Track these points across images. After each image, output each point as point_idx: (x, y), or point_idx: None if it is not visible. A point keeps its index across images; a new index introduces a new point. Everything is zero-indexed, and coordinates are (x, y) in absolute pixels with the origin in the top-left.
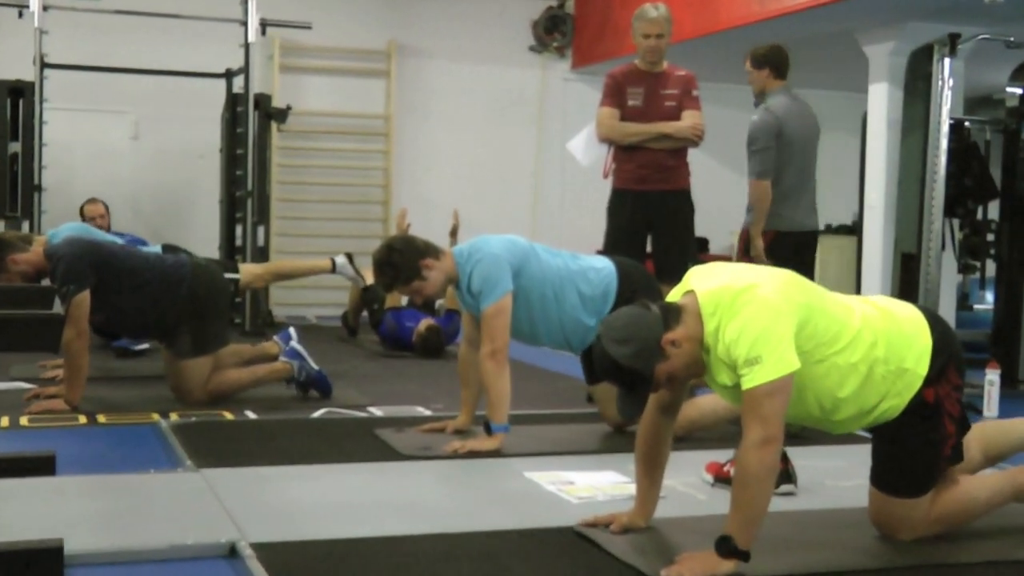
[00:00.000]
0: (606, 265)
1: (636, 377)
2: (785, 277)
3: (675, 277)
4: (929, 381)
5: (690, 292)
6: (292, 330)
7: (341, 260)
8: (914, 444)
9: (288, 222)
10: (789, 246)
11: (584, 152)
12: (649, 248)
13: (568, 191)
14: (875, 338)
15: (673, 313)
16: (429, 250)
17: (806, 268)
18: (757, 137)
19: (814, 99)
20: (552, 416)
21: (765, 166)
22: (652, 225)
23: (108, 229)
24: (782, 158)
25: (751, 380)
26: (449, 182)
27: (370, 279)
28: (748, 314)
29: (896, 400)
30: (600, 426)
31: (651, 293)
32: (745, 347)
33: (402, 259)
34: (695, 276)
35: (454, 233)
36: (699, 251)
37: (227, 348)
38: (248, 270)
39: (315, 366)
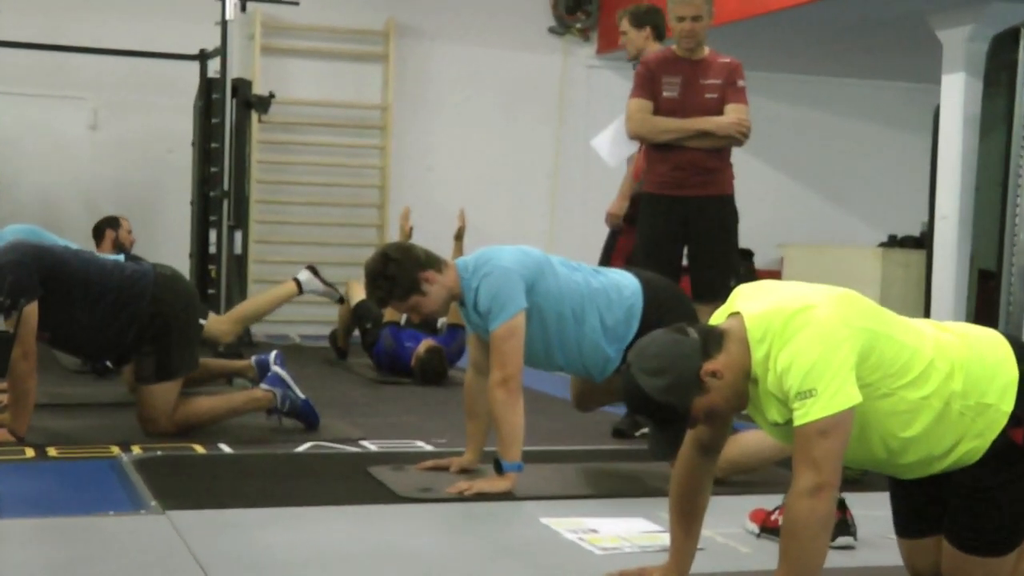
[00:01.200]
0: (631, 283)
1: (671, 413)
2: (846, 297)
3: (714, 297)
4: (1016, 419)
5: (735, 315)
6: (274, 354)
7: (305, 276)
8: (999, 494)
9: (269, 227)
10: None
11: (611, 151)
12: (685, 263)
13: (592, 196)
14: (951, 368)
15: (714, 339)
16: (430, 261)
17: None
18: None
19: (878, 91)
20: (572, 453)
21: None
22: (688, 236)
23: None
24: None
25: (804, 416)
26: (455, 184)
27: (358, 293)
28: (802, 340)
29: (977, 442)
30: (628, 467)
31: (682, 316)
32: (798, 378)
33: (399, 270)
34: (742, 296)
35: (459, 237)
36: (742, 266)
37: (281, 290)
38: (213, 326)
39: (300, 394)
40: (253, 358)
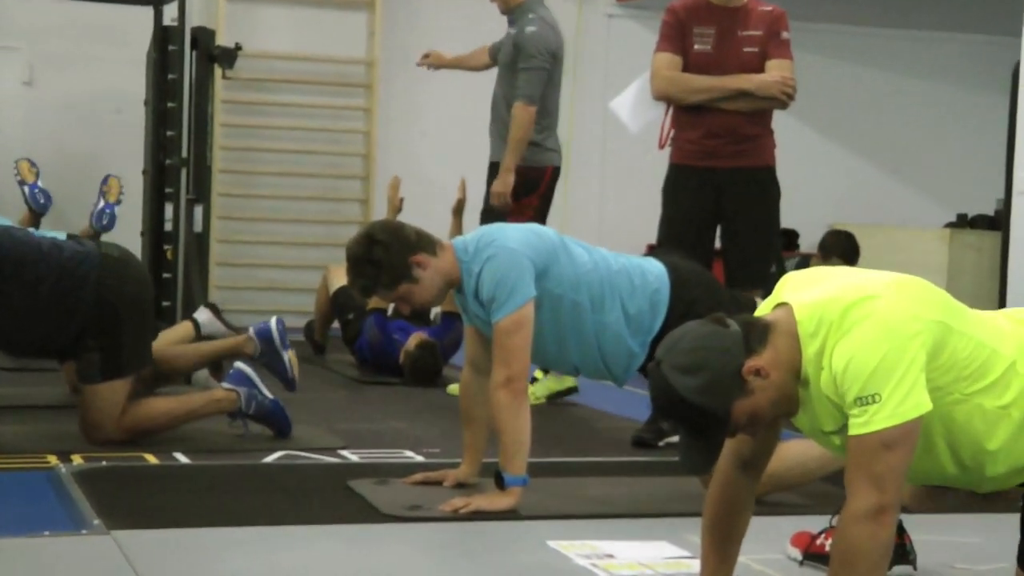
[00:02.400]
0: (655, 268)
1: (707, 418)
2: (913, 285)
3: (752, 285)
4: None
5: (783, 305)
6: (275, 321)
7: (204, 316)
8: None
9: (235, 201)
10: (555, 187)
11: (633, 115)
12: (718, 245)
13: (611, 167)
14: None
15: (758, 332)
16: (423, 242)
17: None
18: (535, 54)
19: (946, 45)
20: (586, 466)
21: (536, 90)
22: (723, 214)
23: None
24: (552, 82)
25: (864, 425)
26: (452, 152)
27: (338, 279)
28: (863, 335)
29: None
30: (652, 482)
31: (714, 307)
32: (858, 380)
33: (386, 254)
34: (790, 284)
35: (458, 212)
36: (785, 249)
37: (176, 331)
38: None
39: (269, 395)
40: (252, 328)
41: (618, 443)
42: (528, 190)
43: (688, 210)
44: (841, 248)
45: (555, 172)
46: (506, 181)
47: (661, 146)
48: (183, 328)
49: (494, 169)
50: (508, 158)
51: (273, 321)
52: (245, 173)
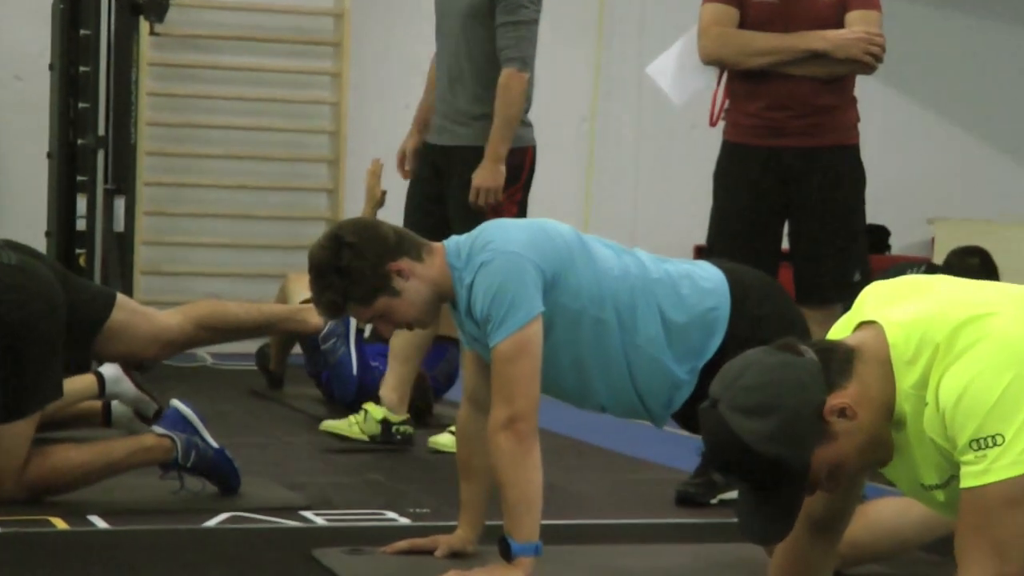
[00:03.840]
0: (711, 276)
1: (780, 472)
2: None
3: (828, 299)
4: None
5: (869, 324)
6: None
7: (112, 372)
8: None
9: (167, 192)
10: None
11: (675, 82)
12: (785, 246)
13: (646, 146)
14: None
15: (840, 361)
16: (404, 245)
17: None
18: (525, 2)
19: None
20: (616, 529)
21: (530, 50)
22: (791, 206)
23: None
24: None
25: (981, 475)
26: None
27: (299, 290)
28: (980, 361)
29: None
30: (701, 551)
31: (787, 328)
32: (974, 417)
33: (358, 260)
34: (877, 298)
35: None
36: (872, 251)
37: (72, 384)
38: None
39: (212, 441)
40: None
41: (658, 500)
42: (510, 180)
43: (747, 202)
44: (973, 271)
45: (535, 153)
46: (497, 172)
47: (713, 122)
48: (82, 383)
49: (438, 156)
50: (499, 143)
51: (178, 404)
52: (180, 156)
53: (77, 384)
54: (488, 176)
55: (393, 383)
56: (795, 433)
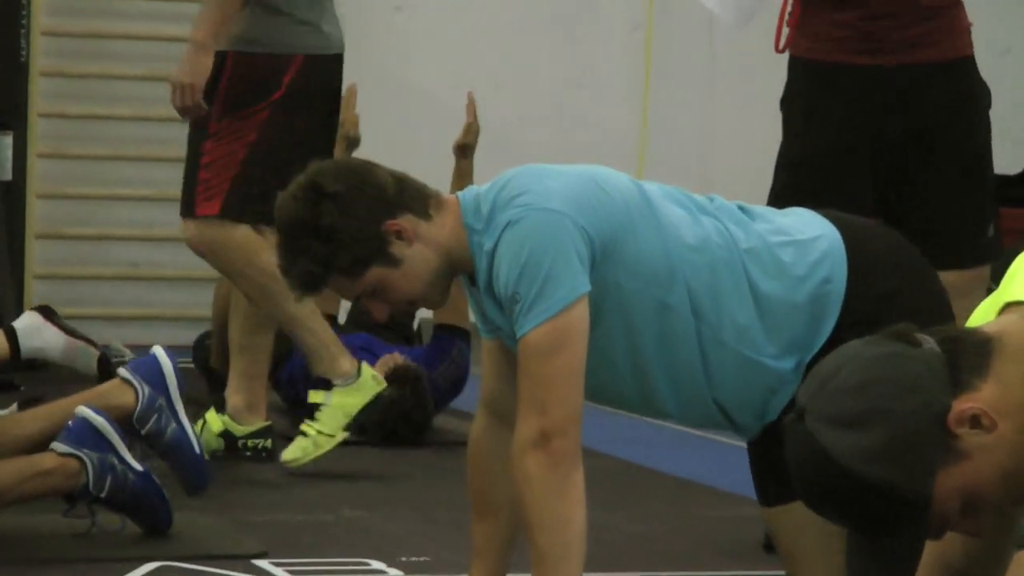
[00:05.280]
0: (821, 232)
1: (889, 504)
2: None
3: (963, 259)
4: None
5: (1017, 306)
6: (160, 353)
7: (28, 321)
8: None
9: (69, 127)
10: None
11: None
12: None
13: (718, 70)
14: None
15: (971, 353)
16: (406, 196)
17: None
18: None
19: None
20: None
21: None
22: (891, 147)
23: None
24: None
25: None
26: (450, 43)
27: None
28: None
29: None
30: None
31: (927, 306)
32: None
33: (345, 219)
34: None
35: (467, 148)
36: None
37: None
38: None
39: (134, 463)
40: (124, 369)
41: (740, 544)
42: (255, 91)
43: (833, 140)
44: None
45: (311, 65)
46: (195, 64)
47: (780, 48)
48: None
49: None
50: (199, 23)
51: (159, 352)
52: (88, 77)
53: None
54: (182, 69)
55: (236, 383)
56: (909, 450)
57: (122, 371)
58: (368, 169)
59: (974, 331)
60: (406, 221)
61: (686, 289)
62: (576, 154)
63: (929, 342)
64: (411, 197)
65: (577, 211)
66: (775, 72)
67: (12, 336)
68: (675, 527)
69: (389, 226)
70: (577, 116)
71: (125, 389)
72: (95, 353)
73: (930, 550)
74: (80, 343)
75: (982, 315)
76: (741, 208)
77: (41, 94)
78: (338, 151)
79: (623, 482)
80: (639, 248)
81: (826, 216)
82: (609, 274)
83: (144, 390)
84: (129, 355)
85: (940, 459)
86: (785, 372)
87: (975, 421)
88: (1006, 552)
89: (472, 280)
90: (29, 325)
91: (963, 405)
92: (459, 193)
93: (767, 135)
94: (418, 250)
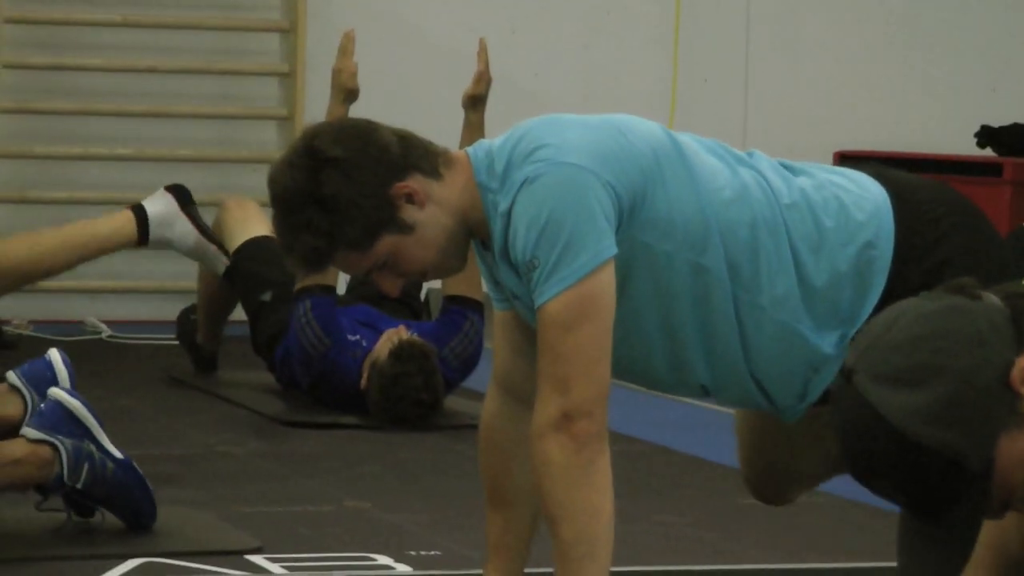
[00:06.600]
0: (869, 194)
1: (946, 470)
2: None
3: None
4: None
5: None
6: (55, 356)
7: (161, 206)
8: None
9: (33, 78)
10: None
11: None
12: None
13: (762, 8)
14: None
15: None
16: (413, 155)
17: None
18: None
19: None
20: None
21: None
22: None
23: None
24: None
25: None
26: None
27: (242, 227)
28: None
29: None
30: None
31: (989, 275)
32: None
33: (350, 186)
34: None
35: (475, 102)
36: None
37: None
38: None
39: (114, 450)
40: (13, 374)
41: (776, 535)
42: None
43: None
44: None
45: None
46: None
47: None
48: (115, 223)
49: None
50: None
51: (55, 352)
52: (53, 24)
53: (105, 226)
54: None
55: None
56: (969, 409)
57: (30, 431)
58: (369, 128)
59: None
60: (415, 182)
61: (722, 248)
62: (600, 105)
63: (991, 297)
64: (418, 156)
65: (601, 165)
66: (815, 10)
67: (143, 220)
68: (709, 517)
69: (398, 189)
70: (601, 63)
71: (39, 449)
72: (224, 262)
73: (986, 535)
74: (212, 248)
75: None
76: (783, 165)
77: (3, 42)
78: (334, 104)
79: (653, 468)
80: (670, 204)
81: (876, 175)
82: (638, 234)
83: (63, 444)
84: (106, 331)
85: (1003, 421)
86: (827, 346)
87: None
88: None
89: (484, 244)
90: (163, 213)
91: None
92: (469, 148)
93: (809, 79)
94: (431, 213)
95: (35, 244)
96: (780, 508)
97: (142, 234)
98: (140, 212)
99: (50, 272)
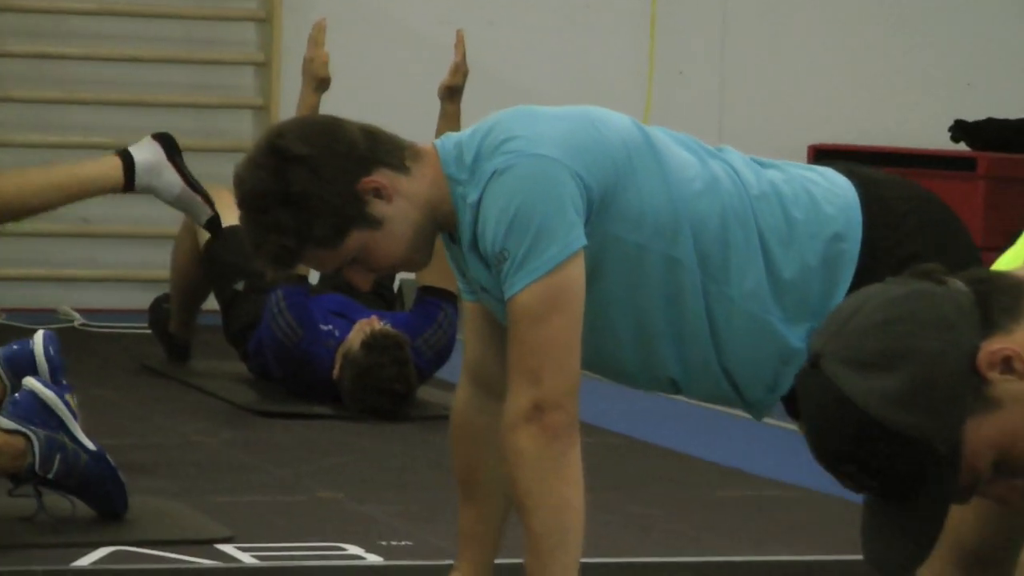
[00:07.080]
0: (838, 189)
1: (912, 456)
2: None
3: None
4: None
5: None
6: (42, 338)
7: (148, 153)
8: None
9: (12, 113)
10: None
11: None
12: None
13: (715, 13)
14: None
15: (1003, 293)
16: (380, 150)
17: None
18: None
19: None
20: (702, 571)
21: None
22: None
23: None
24: None
25: None
26: None
27: (226, 216)
28: None
29: None
30: None
31: (949, 253)
32: None
33: (317, 183)
34: None
35: (452, 93)
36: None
37: None
38: None
39: (86, 441)
40: None
41: (747, 527)
42: None
43: None
44: None
45: None
46: None
47: None
48: (101, 168)
49: None
50: None
51: (39, 339)
52: (27, 58)
53: (92, 170)
54: None
55: None
56: (936, 392)
57: (4, 421)
58: (335, 125)
59: (1005, 274)
60: (382, 177)
61: (692, 240)
62: (576, 97)
63: (957, 283)
64: (385, 151)
65: (572, 157)
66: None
67: (129, 165)
68: (681, 509)
69: (366, 184)
70: (577, 55)
71: (11, 439)
72: (208, 213)
73: (951, 519)
74: (198, 198)
75: (1008, 261)
76: (754, 160)
77: None
78: (306, 93)
79: (624, 460)
80: (641, 196)
81: (845, 171)
82: (608, 226)
83: (35, 434)
84: (78, 319)
85: (970, 406)
86: (796, 340)
87: (1007, 364)
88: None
89: (452, 237)
90: (151, 161)
91: (994, 346)
92: (436, 141)
93: (785, 72)
94: (399, 207)
95: (22, 183)
96: (752, 501)
97: (128, 180)
98: (127, 158)
99: (34, 210)
